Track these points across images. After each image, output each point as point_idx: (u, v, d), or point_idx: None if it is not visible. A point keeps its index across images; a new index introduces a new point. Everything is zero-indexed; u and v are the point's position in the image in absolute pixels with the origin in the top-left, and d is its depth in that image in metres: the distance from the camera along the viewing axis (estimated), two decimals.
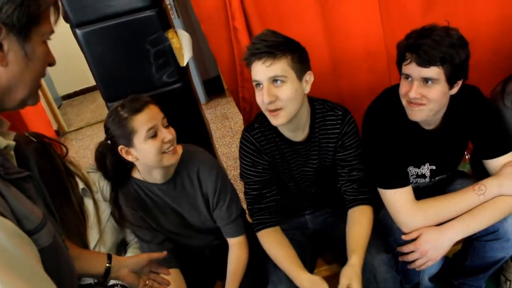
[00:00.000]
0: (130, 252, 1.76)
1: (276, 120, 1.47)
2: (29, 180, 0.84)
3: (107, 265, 1.28)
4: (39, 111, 1.86)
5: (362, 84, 2.04)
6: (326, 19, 1.89)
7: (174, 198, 1.62)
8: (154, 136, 1.45)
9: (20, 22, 0.75)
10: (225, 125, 3.97)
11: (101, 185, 1.72)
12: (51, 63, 0.87)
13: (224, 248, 1.69)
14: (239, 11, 1.80)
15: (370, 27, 1.92)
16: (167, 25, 1.77)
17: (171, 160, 1.50)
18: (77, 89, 6.37)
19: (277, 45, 1.41)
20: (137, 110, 1.43)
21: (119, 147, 1.47)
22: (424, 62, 1.36)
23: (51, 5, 0.81)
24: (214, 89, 4.68)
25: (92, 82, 6.20)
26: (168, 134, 1.46)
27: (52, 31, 0.83)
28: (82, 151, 4.47)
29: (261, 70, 1.42)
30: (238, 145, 3.39)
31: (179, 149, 1.58)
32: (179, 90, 1.82)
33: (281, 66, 1.41)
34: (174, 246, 1.69)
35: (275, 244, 1.60)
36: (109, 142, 1.50)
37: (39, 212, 0.79)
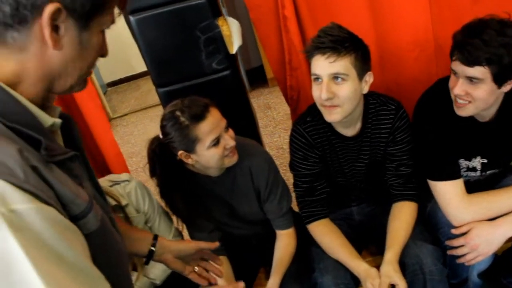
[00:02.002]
0: None
1: (331, 116, 1.46)
2: (75, 159, 0.81)
3: (151, 248, 1.29)
4: (91, 94, 1.91)
5: (408, 73, 2.00)
6: (374, 8, 1.87)
7: (226, 190, 1.64)
8: (217, 143, 1.45)
9: (83, 8, 0.73)
10: (267, 114, 3.98)
11: (131, 196, 1.69)
12: (104, 54, 0.85)
13: (270, 237, 1.71)
14: (289, 0, 1.80)
15: (418, 15, 1.88)
16: (218, 12, 1.79)
17: (232, 161, 1.52)
18: (122, 76, 6.51)
19: (342, 41, 1.39)
20: (199, 117, 1.40)
21: (179, 152, 1.47)
22: (468, 62, 1.31)
23: None
24: (257, 78, 4.69)
25: (136, 70, 6.39)
26: (230, 140, 1.46)
27: (113, 22, 0.81)
28: (126, 137, 4.57)
29: (323, 65, 1.40)
30: (280, 135, 3.40)
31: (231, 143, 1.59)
32: (228, 77, 1.84)
33: (344, 64, 1.39)
34: (222, 235, 1.72)
35: (329, 234, 1.61)
36: (164, 141, 1.49)
37: (85, 195, 0.77)
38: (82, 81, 0.83)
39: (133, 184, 1.69)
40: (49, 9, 0.69)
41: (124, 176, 1.71)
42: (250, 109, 2.00)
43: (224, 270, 1.62)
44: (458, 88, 1.37)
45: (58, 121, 0.82)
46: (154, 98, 5.22)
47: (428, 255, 1.52)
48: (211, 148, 1.44)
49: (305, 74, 1.92)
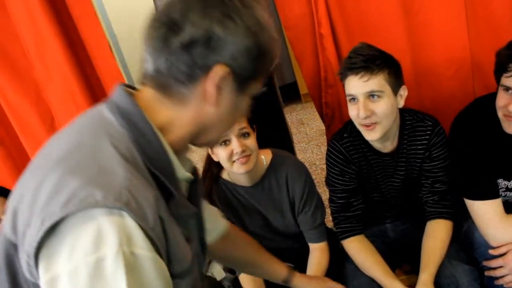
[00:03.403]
0: None
1: (371, 135, 1.48)
2: (195, 216, 0.86)
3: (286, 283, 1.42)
4: None
5: (445, 92, 1.99)
6: (410, 26, 1.87)
7: (260, 201, 1.67)
8: (227, 144, 1.48)
9: (246, 74, 0.78)
10: (300, 130, 3.99)
11: None
12: (243, 117, 0.93)
13: (302, 252, 1.72)
14: (326, 18, 1.83)
15: (455, 33, 1.87)
16: None
17: (240, 169, 1.51)
18: None
19: (373, 59, 1.41)
20: None
21: (208, 150, 1.56)
22: None
23: (272, 65, 0.84)
24: (290, 94, 4.71)
25: None
26: (237, 146, 1.46)
27: (262, 88, 0.86)
28: None
29: (358, 85, 1.42)
30: (313, 151, 3.41)
31: (268, 155, 1.62)
32: (265, 94, 1.86)
33: (378, 81, 1.41)
34: None
35: (364, 251, 1.61)
36: None
37: (189, 256, 0.80)
38: (219, 138, 0.89)
39: None
40: (220, 71, 0.75)
41: None
42: (286, 125, 2.02)
43: (257, 284, 1.64)
44: None
45: (190, 177, 0.86)
46: None
47: (464, 276, 1.49)
48: (219, 146, 1.48)
49: (340, 92, 1.94)
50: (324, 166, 3.22)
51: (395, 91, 1.47)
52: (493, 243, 1.47)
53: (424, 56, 1.93)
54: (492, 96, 1.45)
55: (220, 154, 1.50)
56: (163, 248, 0.72)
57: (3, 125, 1.96)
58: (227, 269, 1.83)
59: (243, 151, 1.47)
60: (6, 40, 1.81)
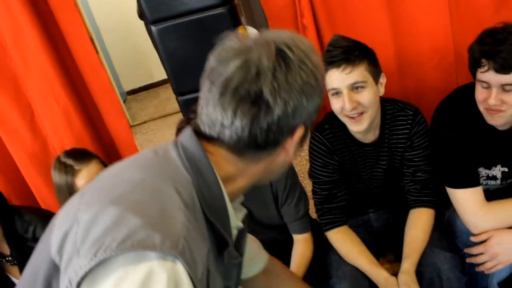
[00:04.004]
0: None
1: (358, 126, 1.48)
2: (238, 266, 0.87)
3: None
4: (114, 103, 1.95)
5: (428, 82, 2.00)
6: (393, 16, 1.88)
7: (244, 193, 1.65)
8: None
9: (312, 122, 0.82)
10: None
11: None
12: None
13: (286, 243, 1.72)
14: (308, 9, 1.82)
15: (438, 23, 1.88)
16: (238, 22, 1.82)
17: None
18: (141, 84, 6.59)
19: (352, 50, 1.42)
20: None
21: None
22: (504, 69, 1.30)
23: None
24: None
25: (155, 78, 6.45)
26: None
27: None
28: (145, 144, 4.62)
29: (341, 78, 1.42)
30: None
31: None
32: None
33: (360, 72, 1.42)
34: None
35: (348, 242, 1.62)
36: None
37: None
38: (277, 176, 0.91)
39: None
40: (300, 131, 0.79)
41: None
42: None
43: None
44: (493, 99, 1.35)
45: (240, 226, 0.87)
46: (173, 106, 5.28)
47: (446, 263, 1.51)
48: None
49: None
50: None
51: (376, 79, 1.48)
52: (474, 230, 1.49)
53: (408, 47, 1.94)
54: (474, 85, 1.46)
55: None
56: None
57: None
58: None
59: None
60: None
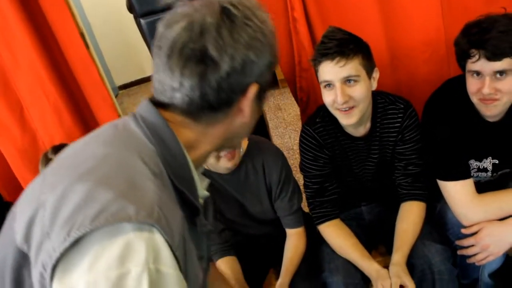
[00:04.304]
0: None
1: (348, 119, 1.48)
2: (208, 235, 0.87)
3: None
4: (105, 98, 1.94)
5: (420, 74, 2.00)
6: (384, 8, 1.87)
7: (237, 188, 1.66)
8: None
9: (267, 82, 0.82)
10: (278, 116, 3.99)
11: None
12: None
13: (280, 237, 1.72)
14: (299, 2, 1.81)
15: (429, 16, 1.88)
16: None
17: (227, 164, 1.51)
18: (133, 79, 6.56)
19: (347, 43, 1.41)
20: None
21: None
22: (496, 56, 1.30)
23: None
24: None
25: (147, 72, 6.42)
26: None
27: None
28: None
29: (334, 71, 1.41)
30: (291, 136, 3.41)
31: (244, 141, 1.60)
32: None
33: (354, 66, 1.41)
34: (232, 234, 1.74)
35: (340, 235, 1.62)
36: None
37: (201, 275, 0.80)
38: (241, 142, 0.91)
39: None
40: (253, 89, 0.79)
41: None
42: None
43: (233, 271, 1.64)
44: (487, 87, 1.35)
45: (206, 195, 0.88)
46: None
47: (437, 255, 1.52)
48: None
49: (314, 76, 1.92)
50: None
51: (369, 74, 1.47)
52: (465, 222, 1.50)
53: (399, 40, 1.93)
54: (464, 77, 1.46)
55: None
56: (183, 267, 0.71)
57: None
58: None
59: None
60: None
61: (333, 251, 1.61)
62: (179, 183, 0.76)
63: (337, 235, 1.63)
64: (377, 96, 1.59)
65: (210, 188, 1.61)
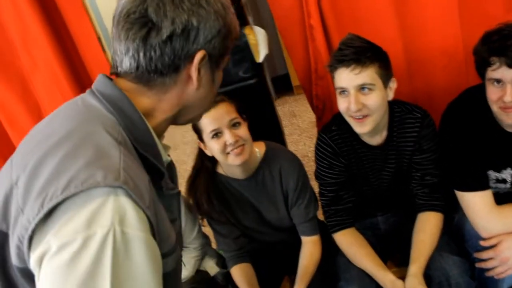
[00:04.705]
0: (184, 257, 1.81)
1: (362, 128, 1.47)
2: (176, 197, 0.89)
3: None
4: None
5: (438, 83, 1.97)
6: (401, 16, 1.85)
7: (254, 194, 1.66)
8: (219, 136, 1.47)
9: (219, 52, 0.84)
10: (292, 122, 3.98)
11: None
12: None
13: (295, 245, 1.71)
14: (315, 9, 1.80)
15: (447, 23, 1.85)
16: (244, 21, 1.81)
17: (235, 160, 1.50)
18: None
19: (364, 51, 1.40)
20: None
21: (198, 142, 1.54)
22: None
23: (236, 38, 0.90)
24: (282, 86, 4.70)
25: None
26: (230, 137, 1.46)
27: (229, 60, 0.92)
28: None
29: (349, 78, 1.41)
30: (305, 143, 3.39)
31: (261, 147, 1.60)
32: (254, 85, 1.85)
33: (369, 74, 1.40)
34: (247, 241, 1.74)
35: (355, 244, 1.60)
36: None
37: (173, 236, 0.82)
38: (202, 113, 0.94)
39: None
40: (198, 56, 0.81)
41: None
42: (276, 117, 2.01)
43: (248, 278, 1.63)
44: (509, 95, 1.31)
45: (169, 159, 0.91)
46: None
47: (455, 267, 1.49)
48: (212, 139, 1.48)
49: (331, 83, 1.90)
50: None
51: (386, 83, 1.46)
52: (483, 234, 1.47)
53: (416, 47, 1.91)
54: (484, 86, 1.43)
55: (213, 147, 1.48)
56: (155, 228, 0.73)
57: None
58: (220, 264, 1.82)
59: (236, 142, 1.47)
60: None
61: (348, 261, 1.60)
62: (142, 148, 0.79)
63: (351, 244, 1.61)
64: (394, 105, 1.58)
65: (227, 193, 1.63)
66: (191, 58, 0.80)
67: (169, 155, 0.93)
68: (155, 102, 0.83)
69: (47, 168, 0.69)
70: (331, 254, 1.67)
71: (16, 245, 0.69)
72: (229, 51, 0.89)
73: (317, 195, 1.72)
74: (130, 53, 0.79)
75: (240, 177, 1.62)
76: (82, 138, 0.73)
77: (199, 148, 1.61)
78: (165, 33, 0.77)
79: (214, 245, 1.94)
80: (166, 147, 0.92)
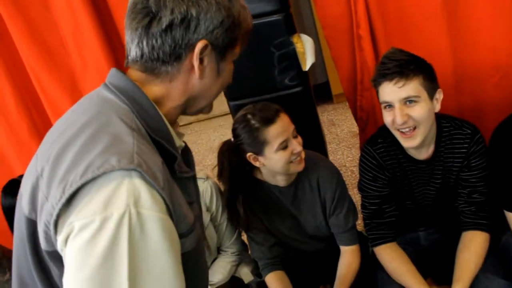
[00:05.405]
0: (220, 261, 1.82)
1: (410, 142, 1.45)
2: (192, 180, 0.92)
3: None
4: None
5: (487, 100, 1.92)
6: (452, 29, 1.82)
7: (293, 202, 1.65)
8: (285, 147, 1.47)
9: (223, 43, 0.86)
10: (331, 131, 3.94)
11: (204, 193, 1.74)
12: (230, 81, 0.97)
13: (331, 255, 1.70)
14: (365, 20, 1.79)
15: (501, 38, 1.80)
16: (293, 29, 1.81)
17: (298, 168, 1.53)
18: None
19: (407, 64, 1.38)
20: (270, 121, 1.45)
21: (248, 154, 1.51)
22: None
23: (248, 32, 0.92)
24: (321, 94, 4.67)
25: None
26: (297, 145, 1.48)
27: (240, 52, 0.93)
28: (190, 145, 4.62)
29: (393, 91, 1.39)
30: (344, 153, 3.36)
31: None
32: (299, 94, 1.85)
33: (413, 87, 1.38)
34: (283, 250, 1.73)
35: (396, 259, 1.58)
36: (235, 144, 1.54)
37: (191, 216, 0.85)
38: (211, 105, 0.96)
39: (209, 182, 1.75)
40: (199, 45, 0.83)
41: (201, 174, 1.79)
42: (319, 126, 2.00)
43: (283, 284, 1.62)
44: None
45: (183, 145, 0.95)
46: (219, 108, 5.31)
47: None
48: (278, 151, 1.47)
49: (375, 95, 1.88)
50: (354, 169, 3.18)
51: (431, 95, 1.43)
52: None
53: (467, 61, 1.87)
54: None
55: (279, 158, 1.48)
56: (172, 209, 0.76)
57: (40, 115, 1.99)
58: (255, 272, 1.82)
59: (301, 150, 1.50)
60: (46, 30, 1.85)
61: (388, 276, 1.57)
62: (155, 134, 0.82)
63: (392, 259, 1.59)
64: (442, 120, 1.55)
65: (267, 199, 1.63)
66: (192, 47, 0.83)
67: (184, 142, 0.97)
68: (164, 91, 0.87)
69: (68, 157, 0.74)
70: (370, 268, 1.65)
71: (44, 231, 0.75)
72: (240, 43, 0.90)
73: (359, 206, 1.71)
74: (136, 42, 0.84)
75: (281, 184, 1.62)
76: (99, 128, 0.77)
77: (222, 160, 1.60)
78: (164, 22, 0.81)
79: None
80: (180, 134, 0.96)
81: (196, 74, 0.85)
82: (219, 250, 1.86)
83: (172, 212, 0.75)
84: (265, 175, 1.62)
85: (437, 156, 1.55)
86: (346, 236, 1.66)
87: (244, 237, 1.84)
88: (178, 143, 0.90)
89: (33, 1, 1.80)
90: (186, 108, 0.92)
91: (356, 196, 1.85)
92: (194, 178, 0.95)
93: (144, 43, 0.83)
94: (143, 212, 0.70)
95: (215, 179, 1.73)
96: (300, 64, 1.80)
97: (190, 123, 5.32)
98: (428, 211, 1.68)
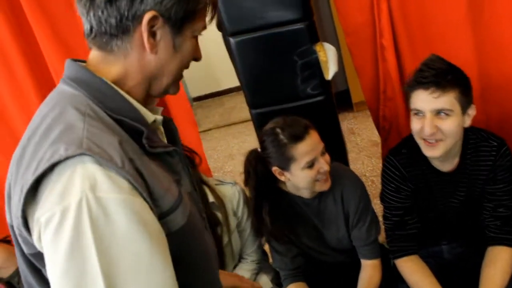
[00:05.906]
0: (240, 268, 1.82)
1: (432, 152, 1.43)
2: (175, 155, 0.89)
3: None
4: (187, 110, 2.00)
5: None
6: (478, 39, 1.79)
7: (316, 213, 1.65)
8: (311, 165, 1.46)
9: (177, 16, 0.81)
10: (351, 140, 3.92)
11: (232, 198, 1.75)
12: (197, 58, 0.93)
13: (353, 267, 1.68)
14: (388, 29, 1.78)
15: None
16: (316, 38, 1.80)
17: (323, 187, 1.53)
18: (208, 92, 6.72)
19: (444, 74, 1.36)
20: (298, 138, 1.44)
21: (273, 168, 1.51)
22: None
23: (209, 4, 0.86)
24: (341, 103, 4.64)
25: (222, 86, 6.56)
26: (325, 164, 1.47)
27: (204, 28, 0.88)
28: (209, 152, 4.68)
29: (427, 100, 1.37)
30: (364, 162, 3.33)
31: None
32: (321, 103, 1.84)
33: (448, 99, 1.36)
34: (305, 261, 1.72)
35: (418, 272, 1.55)
36: (262, 155, 1.54)
37: (175, 190, 0.83)
38: (176, 83, 0.92)
39: (237, 188, 1.77)
40: (146, 17, 0.78)
41: (229, 179, 1.80)
42: (341, 136, 1.98)
43: None
44: None
45: (159, 117, 0.90)
46: (238, 115, 5.33)
47: None
48: (305, 169, 1.46)
49: (399, 105, 1.88)
50: (375, 178, 3.15)
51: (464, 110, 1.40)
52: None
53: (493, 71, 1.84)
54: None
55: (305, 176, 1.48)
56: (142, 186, 0.73)
57: None
58: (275, 281, 1.81)
59: (328, 170, 1.49)
60: (70, 35, 1.86)
61: None
62: (116, 113, 0.80)
63: (414, 272, 1.56)
64: (468, 132, 1.52)
65: (291, 210, 1.61)
66: (140, 19, 0.79)
67: (166, 118, 0.95)
68: (121, 69, 0.84)
69: (26, 158, 0.76)
70: (391, 280, 1.63)
71: (19, 235, 0.77)
72: (200, 17, 0.86)
73: (380, 217, 1.69)
74: (85, 16, 0.81)
75: (305, 196, 1.61)
76: (52, 121, 0.77)
77: (248, 168, 1.60)
78: None
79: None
80: (156, 109, 0.93)
81: (147, 48, 0.81)
82: (239, 257, 1.85)
83: (143, 190, 0.73)
84: (289, 187, 1.61)
85: (462, 168, 1.52)
86: (368, 249, 1.64)
87: (266, 246, 1.83)
88: (150, 118, 0.87)
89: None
90: (150, 88, 0.87)
91: (376, 206, 1.83)
92: (179, 154, 0.91)
93: (91, 15, 0.80)
94: (102, 195, 0.68)
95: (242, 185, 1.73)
96: (322, 73, 1.79)
97: (209, 130, 5.35)
98: (452, 224, 1.65)
